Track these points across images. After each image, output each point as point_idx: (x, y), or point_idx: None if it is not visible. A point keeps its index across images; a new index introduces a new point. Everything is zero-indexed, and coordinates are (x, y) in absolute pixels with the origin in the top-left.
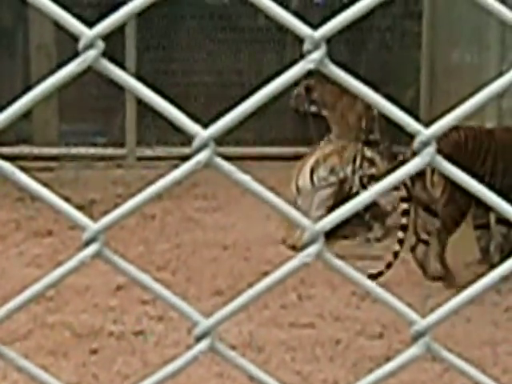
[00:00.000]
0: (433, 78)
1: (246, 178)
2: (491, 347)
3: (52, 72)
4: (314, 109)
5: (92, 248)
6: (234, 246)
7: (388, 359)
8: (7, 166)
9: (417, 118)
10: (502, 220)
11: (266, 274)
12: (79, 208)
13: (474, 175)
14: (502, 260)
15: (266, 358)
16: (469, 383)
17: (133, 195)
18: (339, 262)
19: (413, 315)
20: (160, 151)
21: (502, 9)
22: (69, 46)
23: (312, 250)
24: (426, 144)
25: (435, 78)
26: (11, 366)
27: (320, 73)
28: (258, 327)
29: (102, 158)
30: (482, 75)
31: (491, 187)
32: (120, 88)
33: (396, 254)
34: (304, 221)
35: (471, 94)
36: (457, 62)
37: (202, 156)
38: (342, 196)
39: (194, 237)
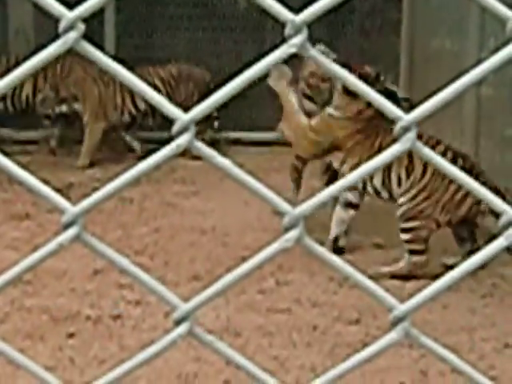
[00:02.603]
0: (412, 64)
1: (226, 163)
2: (468, 333)
3: (30, 56)
4: (65, 108)
5: (71, 231)
6: (213, 230)
7: (365, 345)
8: None
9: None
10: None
11: (244, 259)
12: (57, 191)
13: None
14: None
15: (243, 342)
16: (445, 368)
17: (110, 179)
18: (319, 248)
19: (392, 300)
20: (139, 134)
21: None
22: (47, 31)
23: (292, 234)
24: (406, 129)
25: (414, 64)
26: None
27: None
28: (235, 312)
29: (80, 142)
30: (462, 62)
31: None
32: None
33: None
34: (284, 205)
35: (450, 81)
36: (436, 48)
37: (182, 140)
38: None
39: (173, 221)
